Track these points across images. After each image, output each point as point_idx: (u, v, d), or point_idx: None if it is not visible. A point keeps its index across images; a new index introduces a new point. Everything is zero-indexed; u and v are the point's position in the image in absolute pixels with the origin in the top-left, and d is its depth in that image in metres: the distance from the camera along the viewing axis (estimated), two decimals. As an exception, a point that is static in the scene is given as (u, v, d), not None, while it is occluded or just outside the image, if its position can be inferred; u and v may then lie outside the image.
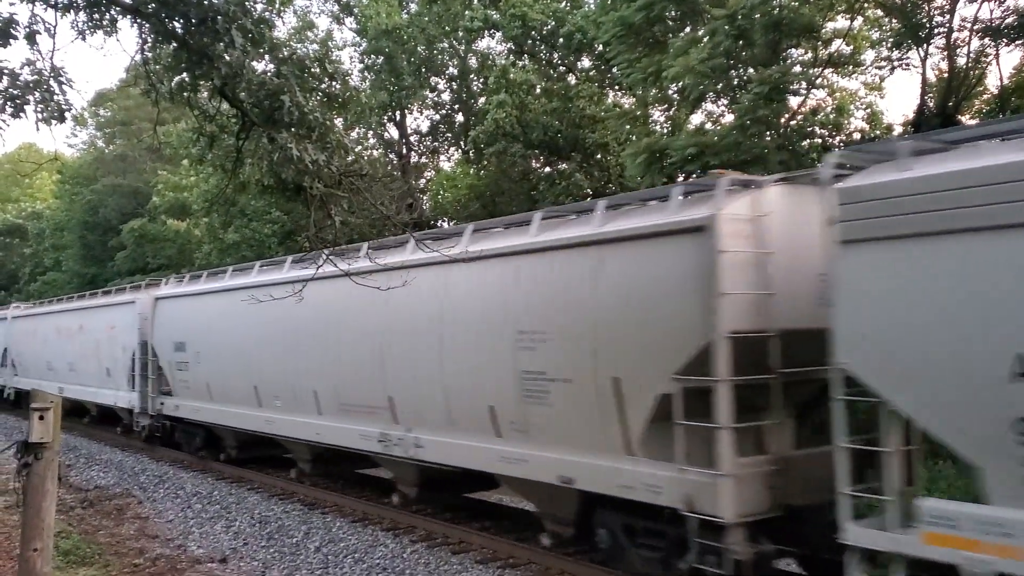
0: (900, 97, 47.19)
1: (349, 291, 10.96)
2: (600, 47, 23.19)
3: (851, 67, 19.94)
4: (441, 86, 33.92)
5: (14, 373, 32.28)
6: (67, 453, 20.86)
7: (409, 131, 34.96)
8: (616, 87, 25.44)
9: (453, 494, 13.54)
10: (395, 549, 11.56)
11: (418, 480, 13.02)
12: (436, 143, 35.76)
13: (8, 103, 6.12)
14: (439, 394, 11.58)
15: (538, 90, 25.86)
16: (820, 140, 18.85)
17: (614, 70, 21.61)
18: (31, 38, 6.32)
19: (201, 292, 18.51)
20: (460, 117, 33.90)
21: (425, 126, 35.45)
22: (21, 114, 6.17)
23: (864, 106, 20.88)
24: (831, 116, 19.49)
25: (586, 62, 26.94)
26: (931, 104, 18.32)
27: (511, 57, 28.45)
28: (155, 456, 20.70)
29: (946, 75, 18.31)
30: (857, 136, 19.55)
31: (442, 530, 12.23)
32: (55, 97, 6.24)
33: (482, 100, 30.35)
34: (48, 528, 6.00)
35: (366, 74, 31.69)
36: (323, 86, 7.76)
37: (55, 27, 6.54)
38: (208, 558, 11.46)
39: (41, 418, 5.95)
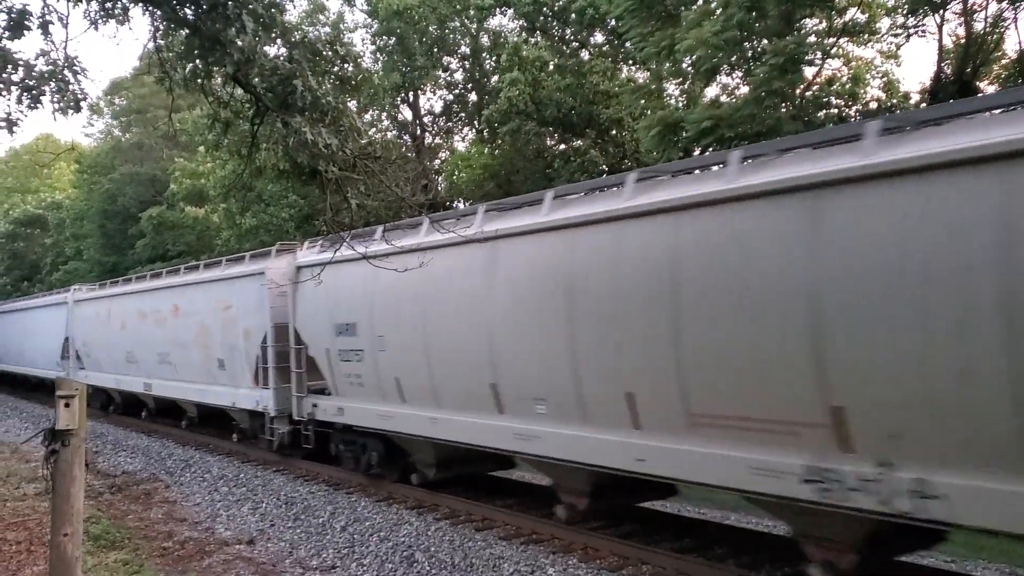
0: (917, 65, 46.60)
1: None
2: (612, 22, 23.07)
3: (866, 35, 19.76)
4: (454, 66, 33.84)
5: (80, 367, 27.56)
6: (94, 439, 21.10)
7: (422, 112, 34.93)
8: (629, 62, 25.33)
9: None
10: (420, 527, 11.67)
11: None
12: (450, 123, 35.71)
13: (24, 94, 6.18)
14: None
15: (551, 67, 25.78)
16: (836, 110, 18.73)
17: (627, 44, 21.51)
18: (44, 28, 6.37)
19: (390, 252, 11.33)
20: (473, 96, 33.83)
21: (438, 106, 35.41)
22: (38, 104, 6.24)
23: (880, 75, 20.70)
24: (847, 86, 19.35)
25: (599, 37, 26.83)
26: (948, 71, 18.13)
27: (523, 34, 28.37)
28: (181, 441, 20.91)
29: (963, 41, 18.11)
30: (874, 105, 19.40)
31: (465, 508, 12.32)
32: (70, 87, 6.30)
33: (495, 79, 30.27)
34: (77, 513, 6.09)
35: (378, 56, 31.65)
36: (335, 69, 7.77)
37: (68, 17, 6.59)
38: (236, 540, 11.61)
39: (67, 405, 6.03)
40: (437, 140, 36.18)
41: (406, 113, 34.62)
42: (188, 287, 19.80)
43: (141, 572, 9.74)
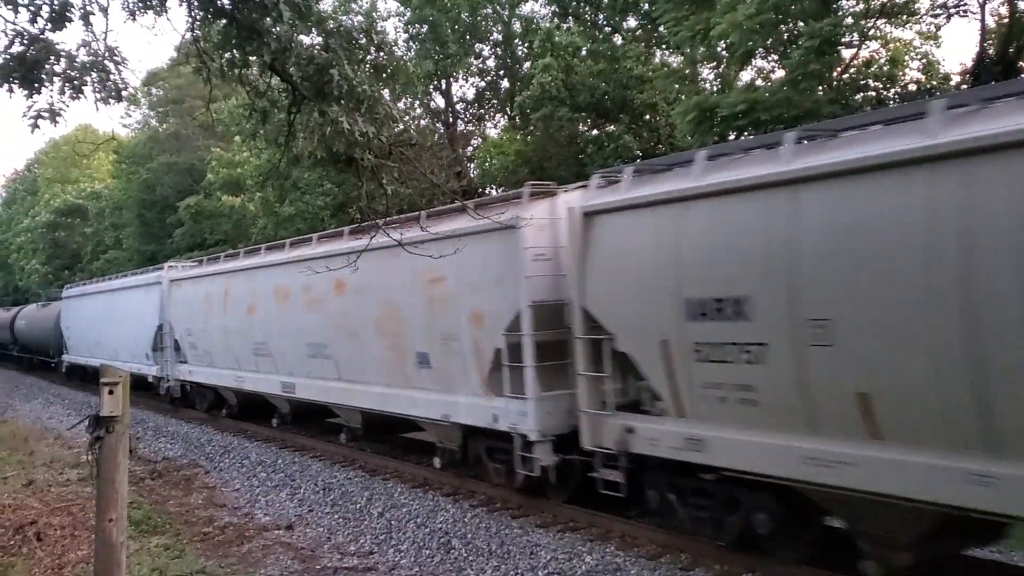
0: (958, 45, 45.84)
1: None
2: (646, 6, 22.90)
3: (905, 16, 19.39)
4: (486, 52, 33.79)
5: (179, 360, 23.31)
6: (135, 426, 21.40)
7: (455, 99, 34.91)
8: (663, 46, 25.09)
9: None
10: (456, 514, 11.72)
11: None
12: (482, 110, 35.67)
13: (67, 84, 6.25)
14: None
15: (584, 52, 25.65)
16: (874, 93, 18.45)
17: (661, 29, 21.32)
18: (86, 19, 6.43)
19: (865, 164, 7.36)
20: (506, 83, 33.77)
21: (471, 94, 35.38)
22: (80, 95, 6.31)
23: (919, 56, 20.33)
24: (885, 68, 19.04)
25: (632, 22, 26.61)
26: (991, 52, 17.79)
27: (555, 20, 28.23)
28: (219, 427, 21.14)
29: (1006, 20, 17.74)
30: (913, 87, 19.10)
31: (502, 495, 12.35)
32: (111, 77, 6.37)
33: (527, 65, 30.18)
34: (122, 499, 6.18)
35: (411, 44, 31.66)
36: (370, 58, 7.79)
37: (107, 8, 6.65)
38: (275, 525, 11.75)
39: (111, 392, 6.11)
40: (469, 127, 36.18)
41: (439, 101, 34.65)
42: (364, 254, 12.31)
43: (182, 557, 9.88)
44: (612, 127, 25.63)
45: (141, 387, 26.12)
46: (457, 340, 12.38)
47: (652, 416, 9.65)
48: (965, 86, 17.71)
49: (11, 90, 6.31)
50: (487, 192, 28.10)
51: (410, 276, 13.13)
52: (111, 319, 28.35)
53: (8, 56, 6.29)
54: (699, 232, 8.82)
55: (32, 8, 6.31)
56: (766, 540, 8.91)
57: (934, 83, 19.28)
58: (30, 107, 6.35)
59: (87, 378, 32.20)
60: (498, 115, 35.49)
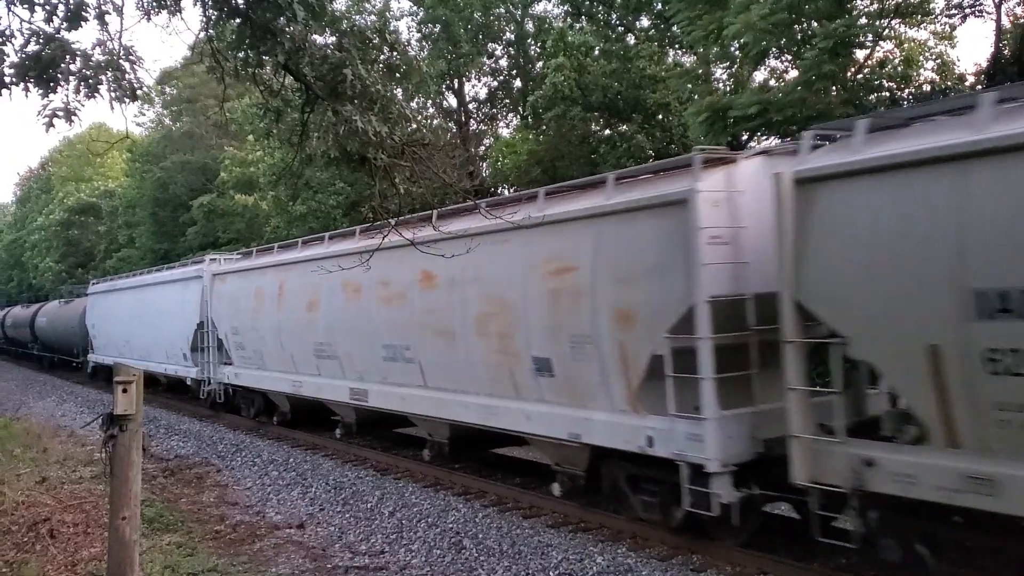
0: (973, 46, 45.58)
1: None
2: (659, 5, 22.85)
3: (920, 16, 19.28)
4: (499, 52, 33.79)
5: (224, 361, 21.31)
6: (147, 424, 21.46)
7: (468, 99, 34.92)
8: (676, 46, 25.04)
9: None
10: (467, 513, 11.72)
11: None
12: (494, 110, 35.68)
13: (82, 84, 6.27)
14: None
15: (597, 52, 25.61)
16: (888, 93, 18.35)
17: (674, 28, 21.29)
18: (101, 19, 6.45)
19: None
20: (518, 83, 33.76)
21: (483, 93, 35.39)
22: (95, 94, 6.33)
23: (934, 56, 20.22)
24: (899, 68, 18.93)
25: (645, 21, 26.55)
26: (1007, 52, 17.68)
27: (568, 19, 28.20)
28: (232, 425, 21.19)
29: (1022, 20, 17.64)
30: (927, 88, 18.99)
31: (513, 495, 12.34)
32: (126, 76, 6.39)
33: (540, 64, 30.17)
34: (135, 497, 6.21)
35: (424, 43, 31.69)
36: (383, 57, 7.79)
37: (122, 7, 6.67)
38: (286, 524, 11.77)
39: (124, 391, 6.14)
40: (482, 127, 36.19)
41: (451, 100, 34.67)
42: (456, 241, 11.11)
43: (194, 555, 9.91)
44: (624, 127, 25.58)
45: (177, 389, 26.37)
46: (593, 343, 10.24)
47: (903, 446, 7.57)
48: (980, 87, 17.61)
49: (27, 89, 6.34)
50: (499, 192, 28.12)
51: (525, 265, 11.03)
52: (143, 316, 26.25)
53: (24, 55, 6.31)
54: (998, 199, 6.67)
55: (48, 7, 6.34)
56: None
57: (949, 83, 19.17)
58: (45, 106, 6.37)
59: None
60: (510, 115, 35.51)
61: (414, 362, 13.72)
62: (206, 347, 21.79)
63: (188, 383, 23.66)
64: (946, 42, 20.42)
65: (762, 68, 19.47)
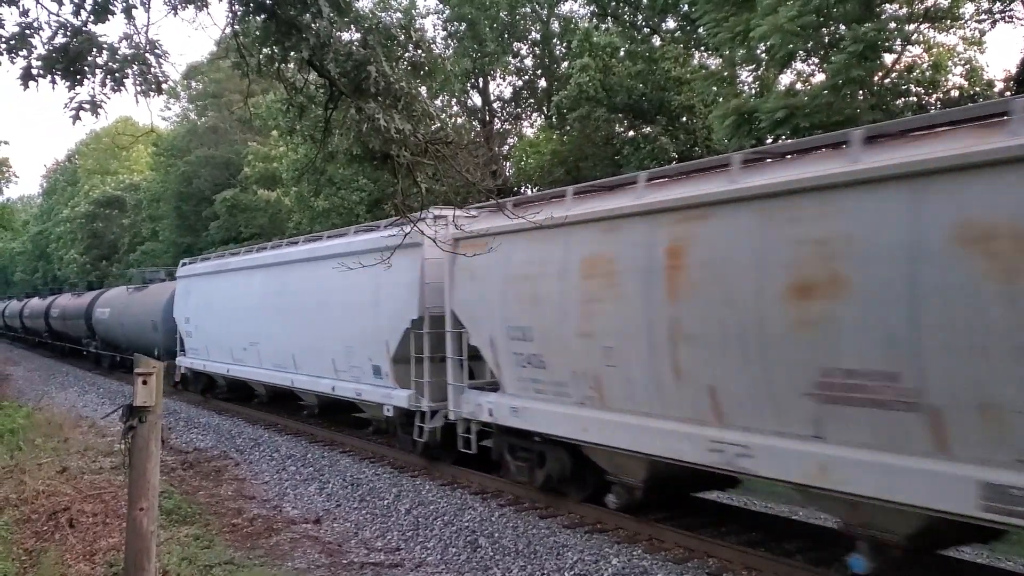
0: (1003, 51, 45.17)
1: None
2: (685, 7, 22.77)
3: (949, 21, 19.11)
4: (524, 51, 33.81)
5: (489, 386, 12.74)
6: (167, 417, 21.60)
7: (492, 98, 34.95)
8: (702, 48, 24.95)
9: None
10: (484, 512, 11.71)
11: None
12: (519, 109, 35.70)
13: (108, 77, 6.31)
14: None
15: (622, 53, 25.58)
16: (916, 98, 18.20)
17: (700, 30, 21.19)
18: (128, 13, 6.50)
19: None
20: (543, 82, 33.77)
21: (508, 92, 35.42)
22: (121, 88, 6.37)
23: (963, 62, 20.04)
24: (927, 73, 18.78)
25: (671, 23, 26.50)
26: (1036, 58, 17.47)
27: (594, 20, 28.18)
28: (250, 420, 21.28)
29: (1053, 27, 17.45)
30: (955, 93, 18.82)
31: (530, 495, 12.33)
32: (152, 70, 6.42)
33: (565, 64, 30.14)
34: (153, 488, 6.23)
35: (449, 42, 31.75)
36: (408, 55, 7.79)
37: (149, 1, 6.71)
38: (303, 519, 11.81)
39: (144, 383, 6.16)
40: (506, 126, 36.23)
41: (476, 99, 34.73)
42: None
43: (212, 547, 9.96)
44: (649, 128, 25.54)
45: (339, 410, 18.71)
46: None
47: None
48: (1008, 93, 17.41)
49: (54, 81, 6.38)
50: (523, 192, 28.10)
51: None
52: (287, 308, 18.25)
53: (51, 48, 6.36)
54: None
55: (75, 0, 6.38)
56: None
57: (977, 89, 18.99)
58: (72, 99, 6.42)
59: (220, 392, 23.95)
60: (535, 114, 35.52)
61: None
62: (422, 358, 13.89)
63: (386, 413, 15.03)
64: (975, 47, 20.24)
65: (788, 71, 19.35)
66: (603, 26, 27.30)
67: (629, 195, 10.21)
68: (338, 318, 16.18)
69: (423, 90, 8.25)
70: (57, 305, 42.49)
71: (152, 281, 31.84)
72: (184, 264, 26.19)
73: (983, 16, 19.18)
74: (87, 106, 6.39)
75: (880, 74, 17.13)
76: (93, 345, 37.11)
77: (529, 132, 35.00)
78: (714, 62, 23.90)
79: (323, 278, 16.55)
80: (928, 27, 18.95)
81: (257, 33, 7.19)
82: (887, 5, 17.43)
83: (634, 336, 9.68)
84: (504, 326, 11.83)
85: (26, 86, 6.34)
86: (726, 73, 20.57)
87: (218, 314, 22.25)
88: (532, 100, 34.93)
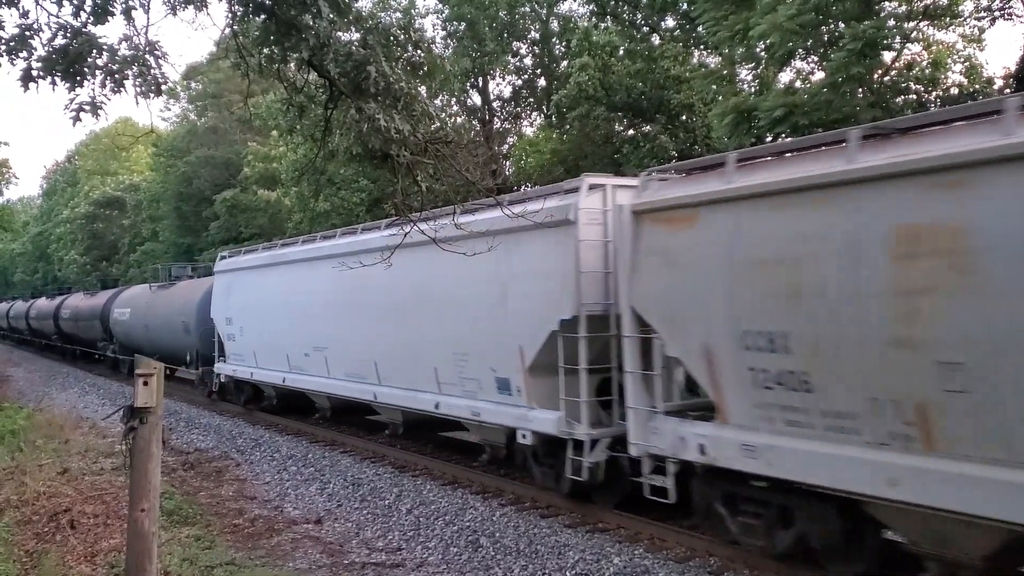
0: (1002, 49, 45.22)
1: None
2: (685, 5, 22.77)
3: (948, 19, 19.11)
4: (523, 51, 33.82)
5: (650, 404, 9.62)
6: (168, 417, 21.56)
7: (492, 97, 34.96)
8: (701, 46, 24.96)
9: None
10: (485, 512, 11.71)
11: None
12: (518, 108, 35.71)
13: (108, 78, 6.32)
14: None
15: (621, 52, 25.59)
16: (915, 96, 18.21)
17: (699, 29, 21.20)
18: (127, 14, 6.50)
19: None
20: (542, 82, 33.79)
21: (508, 92, 35.44)
22: (121, 89, 6.37)
23: (962, 59, 20.05)
24: (927, 71, 18.80)
25: (670, 22, 26.50)
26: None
27: (593, 19, 28.18)
28: (251, 420, 21.26)
29: (1053, 24, 17.45)
30: (955, 91, 18.83)
31: (531, 494, 12.32)
32: (152, 71, 6.43)
33: (564, 64, 30.16)
34: (154, 489, 6.24)
35: (448, 41, 31.78)
36: (407, 55, 7.79)
37: (149, 2, 6.71)
38: (304, 519, 11.80)
39: (145, 384, 6.17)
40: (506, 125, 36.24)
41: (475, 98, 34.74)
42: None
43: (213, 548, 9.95)
44: (648, 127, 25.56)
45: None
46: None
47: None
48: (1008, 90, 17.41)
49: (54, 83, 6.39)
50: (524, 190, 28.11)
51: None
52: (369, 307, 14.96)
53: (51, 49, 6.36)
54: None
55: (75, 2, 6.38)
56: None
57: (977, 87, 19.00)
58: (72, 100, 6.42)
59: (267, 404, 20.80)
60: (534, 113, 35.55)
61: None
62: (582, 370, 10.54)
63: (521, 441, 11.64)
64: (974, 45, 20.25)
65: (788, 69, 19.36)
66: (602, 25, 27.30)
67: (990, 131, 6.61)
68: (444, 318, 12.98)
69: (423, 90, 8.24)
70: (68, 306, 39.86)
71: (179, 278, 29.16)
72: (223, 257, 22.79)
73: (982, 13, 19.20)
74: (87, 107, 6.40)
75: (880, 72, 17.14)
76: (111, 349, 33.63)
77: (529, 131, 35.04)
78: (713, 60, 23.94)
79: (423, 269, 13.01)
80: (927, 24, 18.96)
81: (257, 33, 7.19)
82: (886, 3, 17.45)
83: (1008, 346, 6.37)
84: (732, 330, 8.48)
85: (26, 87, 6.35)
86: (725, 71, 20.60)
87: (271, 314, 19.01)
88: (532, 99, 34.95)
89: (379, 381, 15.02)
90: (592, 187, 10.60)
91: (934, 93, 18.64)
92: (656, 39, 26.43)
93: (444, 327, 12.96)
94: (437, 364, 13.20)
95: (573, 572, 9.25)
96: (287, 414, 20.10)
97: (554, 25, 32.68)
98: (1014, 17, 18.51)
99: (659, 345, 9.56)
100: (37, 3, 6.38)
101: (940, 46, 19.87)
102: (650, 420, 9.70)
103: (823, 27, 16.67)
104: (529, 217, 8.81)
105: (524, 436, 11.52)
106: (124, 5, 6.50)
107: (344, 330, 16.02)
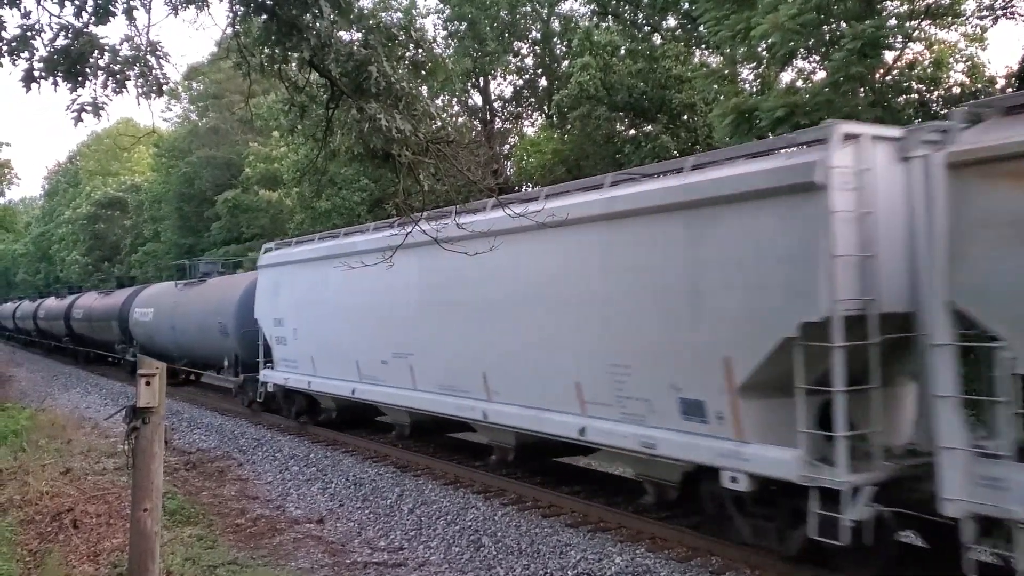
0: (1004, 48, 45.15)
1: None
2: (686, 5, 22.78)
3: (950, 18, 19.09)
4: (524, 51, 33.85)
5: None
6: (170, 417, 21.53)
7: (493, 97, 34.97)
8: (703, 46, 24.96)
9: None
10: (486, 512, 11.71)
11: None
12: (519, 108, 35.72)
13: (110, 79, 6.32)
14: None
15: (623, 51, 25.59)
16: (917, 95, 18.19)
17: (701, 28, 21.19)
18: (129, 14, 6.51)
19: None
20: (543, 81, 33.80)
21: (509, 92, 35.46)
22: (123, 89, 6.38)
23: (964, 59, 20.02)
24: (929, 70, 18.77)
25: (671, 21, 26.50)
26: (1038, 54, 17.45)
27: (595, 19, 28.20)
28: (253, 420, 21.26)
29: (1054, 23, 17.43)
30: (957, 90, 18.80)
31: (533, 494, 12.32)
32: (153, 71, 6.43)
33: (565, 63, 30.17)
34: (157, 489, 6.25)
35: (450, 41, 31.79)
36: (408, 54, 7.80)
37: (150, 2, 6.72)
38: (306, 519, 11.81)
39: (147, 384, 6.17)
40: (507, 125, 36.26)
41: (476, 98, 34.76)
42: None
43: (215, 548, 9.97)
44: (650, 127, 25.56)
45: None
46: None
47: None
48: (1010, 89, 17.39)
49: (55, 83, 6.39)
50: (524, 190, 28.10)
51: None
52: (475, 305, 12.50)
53: (53, 49, 6.37)
54: None
55: (77, 2, 6.39)
56: None
57: (979, 86, 18.97)
58: (74, 100, 6.43)
59: (326, 418, 18.28)
60: (536, 113, 35.55)
61: None
62: (838, 392, 7.73)
63: (730, 485, 8.85)
64: (977, 44, 20.22)
65: (789, 69, 19.35)
66: (604, 25, 27.32)
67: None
68: (589, 319, 10.42)
69: (424, 90, 8.25)
70: (80, 305, 37.02)
71: (209, 274, 26.33)
72: (268, 249, 19.89)
73: (984, 12, 19.14)
74: (89, 108, 6.40)
75: (881, 71, 17.12)
76: (130, 352, 30.07)
77: (530, 131, 35.04)
78: (715, 60, 23.93)
79: (557, 257, 10.78)
80: (929, 24, 18.93)
81: (258, 33, 7.20)
82: (888, 2, 17.43)
83: None
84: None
85: (28, 88, 6.35)
86: (727, 71, 20.59)
87: (334, 313, 16.39)
88: (533, 99, 34.97)
89: (488, 396, 12.36)
90: (848, 136, 7.87)
91: (936, 92, 18.61)
92: (657, 39, 26.44)
93: (589, 330, 10.37)
94: (580, 378, 10.60)
95: (575, 571, 9.25)
96: (351, 429, 17.73)
97: (555, 25, 32.70)
98: (1016, 16, 18.47)
99: (1004, 359, 6.55)
100: (39, 3, 6.39)
101: (942, 45, 19.85)
102: (976, 466, 6.75)
103: (824, 26, 16.65)
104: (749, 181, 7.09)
105: (735, 480, 8.68)
106: (125, 5, 6.51)
107: (437, 333, 13.31)
